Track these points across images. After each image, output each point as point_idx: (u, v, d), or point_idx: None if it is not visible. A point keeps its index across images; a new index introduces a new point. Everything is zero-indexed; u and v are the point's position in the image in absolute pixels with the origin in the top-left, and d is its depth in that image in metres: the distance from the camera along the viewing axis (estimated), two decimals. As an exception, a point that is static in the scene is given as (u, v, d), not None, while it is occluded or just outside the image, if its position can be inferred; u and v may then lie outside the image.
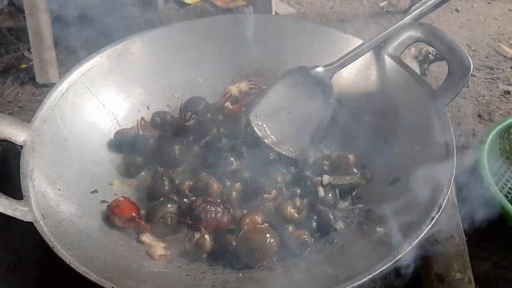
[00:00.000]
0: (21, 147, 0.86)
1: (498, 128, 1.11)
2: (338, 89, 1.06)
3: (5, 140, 0.86)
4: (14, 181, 0.83)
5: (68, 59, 1.54)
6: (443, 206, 0.79)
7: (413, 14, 1.02)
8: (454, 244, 0.95)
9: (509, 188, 1.13)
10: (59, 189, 0.87)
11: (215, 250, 0.86)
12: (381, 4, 1.94)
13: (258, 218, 0.89)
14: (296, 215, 0.90)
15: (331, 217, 0.90)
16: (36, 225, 0.77)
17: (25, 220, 0.77)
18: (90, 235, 0.84)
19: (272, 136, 1.01)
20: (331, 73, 1.02)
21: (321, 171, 0.98)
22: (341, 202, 0.96)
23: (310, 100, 1.02)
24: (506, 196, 1.10)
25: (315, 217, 0.91)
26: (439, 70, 1.51)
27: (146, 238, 0.89)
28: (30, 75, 1.54)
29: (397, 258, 0.73)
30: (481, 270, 0.99)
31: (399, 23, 1.02)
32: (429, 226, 0.77)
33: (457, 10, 1.90)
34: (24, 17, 1.49)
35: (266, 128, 1.01)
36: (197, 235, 0.86)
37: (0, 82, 1.54)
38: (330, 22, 1.83)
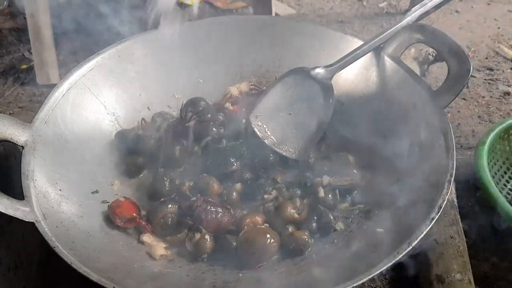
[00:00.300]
0: (22, 147, 0.86)
1: (498, 129, 1.11)
2: (338, 89, 1.06)
3: (7, 141, 0.86)
4: (15, 182, 0.84)
5: (69, 59, 1.55)
6: (443, 207, 0.79)
7: (413, 15, 1.03)
8: (454, 245, 0.95)
9: (509, 189, 1.13)
10: (60, 190, 0.87)
11: (215, 250, 0.87)
12: (380, 5, 1.94)
13: (259, 219, 0.90)
14: (296, 215, 0.91)
15: (331, 217, 0.91)
16: (37, 225, 0.77)
17: (26, 220, 0.77)
18: (91, 235, 0.85)
19: (272, 137, 1.01)
20: (331, 74, 1.02)
21: (321, 171, 0.98)
22: (341, 202, 0.96)
23: (310, 101, 1.03)
24: (506, 197, 1.10)
25: (315, 217, 0.91)
26: (439, 71, 1.51)
27: (147, 238, 0.89)
28: (31, 75, 1.54)
29: (397, 259, 0.73)
30: (481, 271, 0.99)
31: (399, 24, 1.02)
32: (429, 227, 0.77)
33: (457, 11, 1.90)
34: (25, 18, 1.49)
35: (266, 129, 1.01)
36: (197, 235, 0.86)
37: (0, 83, 1.54)
38: (330, 23, 1.83)
